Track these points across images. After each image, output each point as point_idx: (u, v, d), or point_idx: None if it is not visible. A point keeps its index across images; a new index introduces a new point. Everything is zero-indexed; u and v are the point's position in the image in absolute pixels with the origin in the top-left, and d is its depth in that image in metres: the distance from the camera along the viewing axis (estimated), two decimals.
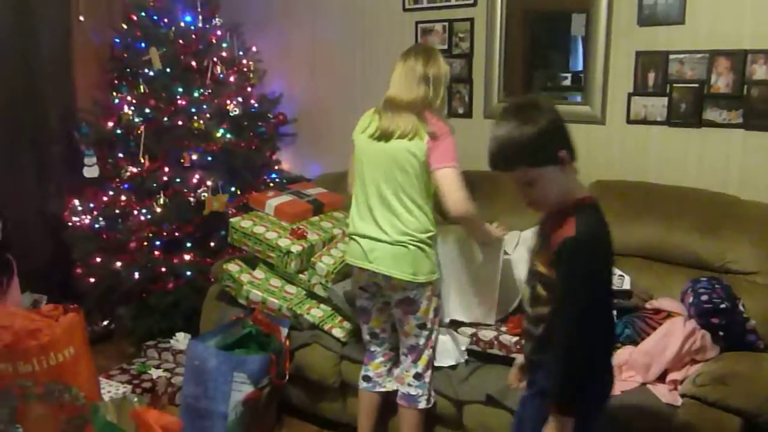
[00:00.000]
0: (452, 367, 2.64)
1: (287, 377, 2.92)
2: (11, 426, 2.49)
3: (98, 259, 3.62)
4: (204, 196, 3.56)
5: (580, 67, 3.25)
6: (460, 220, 2.49)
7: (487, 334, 2.60)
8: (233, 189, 3.79)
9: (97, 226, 3.65)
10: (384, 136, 2.44)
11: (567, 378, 1.65)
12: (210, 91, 3.74)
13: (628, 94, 3.08)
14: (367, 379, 2.72)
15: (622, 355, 2.44)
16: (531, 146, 1.61)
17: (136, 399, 2.26)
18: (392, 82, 2.50)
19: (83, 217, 3.69)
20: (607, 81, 3.12)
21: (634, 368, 2.41)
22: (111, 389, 3.05)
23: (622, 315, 2.57)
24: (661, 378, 2.38)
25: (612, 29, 3.07)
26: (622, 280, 2.60)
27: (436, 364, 2.64)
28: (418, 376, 2.60)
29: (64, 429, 2.52)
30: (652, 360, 2.37)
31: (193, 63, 3.75)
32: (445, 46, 3.54)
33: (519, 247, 2.89)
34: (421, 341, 2.58)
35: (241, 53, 4.01)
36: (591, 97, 3.16)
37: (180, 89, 3.65)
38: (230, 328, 3.00)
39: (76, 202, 3.74)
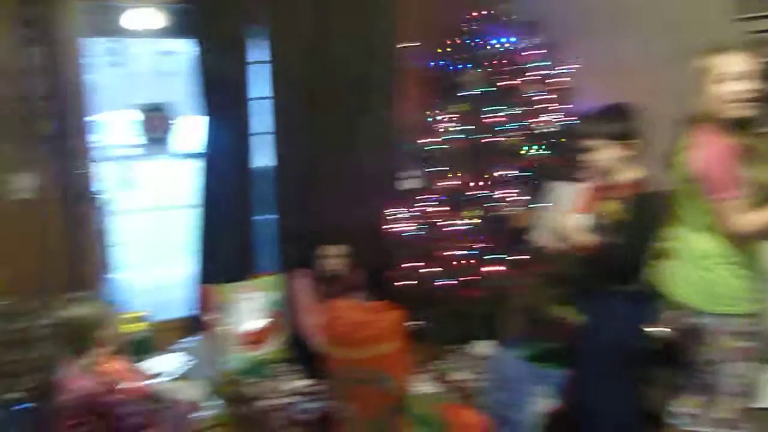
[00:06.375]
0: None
1: None
2: (342, 403, 2.86)
3: (412, 264, 3.94)
4: (515, 211, 3.70)
5: None
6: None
7: None
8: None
9: (413, 233, 3.99)
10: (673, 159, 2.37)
11: None
12: (524, 109, 3.86)
13: None
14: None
15: None
16: None
17: (447, 396, 2.44)
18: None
19: (401, 224, 4.06)
20: None
21: None
22: (418, 386, 3.30)
23: None
24: None
25: None
26: None
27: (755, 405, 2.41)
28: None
29: (383, 414, 2.81)
30: None
31: (509, 82, 3.91)
32: None
33: None
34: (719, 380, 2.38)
35: (555, 71, 4.07)
36: None
37: (495, 108, 3.84)
38: (535, 341, 3.07)
39: (396, 210, 4.12)
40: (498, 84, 3.94)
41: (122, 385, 2.45)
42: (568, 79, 4.11)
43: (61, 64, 3.48)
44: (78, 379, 2.53)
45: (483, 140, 3.83)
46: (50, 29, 3.43)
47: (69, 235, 3.60)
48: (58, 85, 3.49)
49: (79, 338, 2.61)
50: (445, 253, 3.80)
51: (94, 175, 3.66)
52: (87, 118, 3.62)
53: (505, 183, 3.79)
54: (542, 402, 2.85)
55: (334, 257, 3.67)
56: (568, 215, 2.69)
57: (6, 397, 2.65)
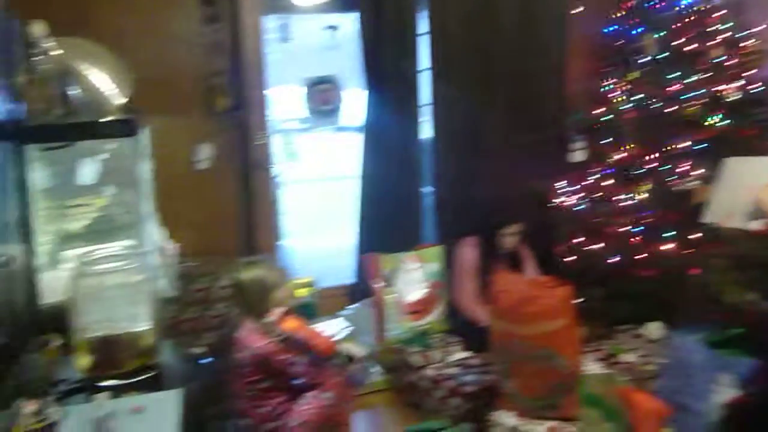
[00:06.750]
0: None
1: None
2: (506, 378, 2.81)
3: (578, 240, 3.79)
4: (692, 185, 3.44)
5: None
6: None
7: None
8: None
9: (579, 208, 3.83)
10: None
11: None
12: (706, 75, 3.56)
13: None
14: None
15: None
16: None
17: (623, 378, 2.33)
18: None
19: (567, 198, 3.91)
20: None
21: None
22: (588, 366, 3.17)
23: None
24: None
25: None
26: None
27: None
28: None
29: (549, 391, 2.73)
30: None
31: (690, 46, 3.62)
32: None
33: None
34: None
35: (743, 34, 3.71)
36: None
37: (674, 74, 3.57)
38: (717, 326, 2.86)
39: (562, 183, 3.97)
40: (678, 49, 3.65)
41: (311, 341, 2.55)
42: (759, 41, 3.74)
43: (240, 40, 3.66)
44: (255, 338, 2.66)
45: (659, 109, 3.58)
46: (231, 6, 3.60)
47: (244, 204, 3.80)
48: (237, 60, 3.67)
49: (256, 299, 2.75)
50: (615, 229, 3.61)
51: (268, 146, 3.83)
52: (262, 92, 3.79)
53: (682, 155, 3.53)
54: (724, 391, 2.65)
55: (511, 235, 3.62)
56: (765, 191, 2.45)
57: (190, 352, 2.84)
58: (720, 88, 3.53)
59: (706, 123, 3.51)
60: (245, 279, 2.78)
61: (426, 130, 4.09)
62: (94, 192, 2.47)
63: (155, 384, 1.89)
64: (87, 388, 1.87)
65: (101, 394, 1.55)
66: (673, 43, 3.65)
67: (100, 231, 2.45)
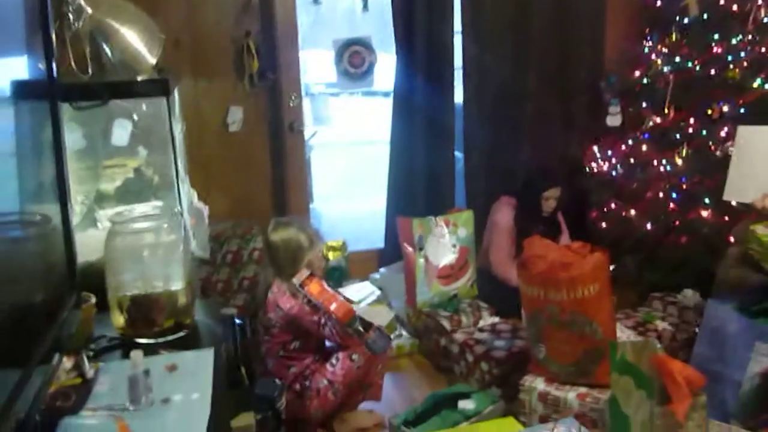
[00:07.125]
0: None
1: None
2: (536, 344, 2.80)
3: (612, 206, 3.73)
4: (732, 150, 3.35)
5: None
6: None
7: None
8: None
9: (614, 173, 3.76)
10: None
11: None
12: (751, 37, 3.44)
13: None
14: None
15: None
16: None
17: (659, 346, 2.29)
18: None
19: (602, 163, 3.84)
20: None
21: None
22: (621, 332, 3.14)
23: None
24: None
25: None
26: None
27: None
28: None
29: (580, 358, 2.72)
30: None
31: (734, 7, 3.50)
32: None
33: None
34: None
35: None
36: None
37: (716, 36, 3.46)
38: (755, 294, 2.79)
39: (596, 148, 3.90)
40: (720, 10, 3.53)
41: (329, 306, 2.56)
42: None
43: (272, 1, 3.62)
44: (286, 298, 2.68)
45: (700, 72, 3.47)
46: None
47: (276, 166, 3.81)
48: (269, 22, 3.64)
49: (288, 260, 2.76)
50: (652, 195, 3.55)
51: (299, 109, 3.82)
52: (293, 55, 3.76)
53: (721, 120, 3.43)
54: (761, 360, 2.60)
55: (548, 200, 3.58)
56: None
57: (222, 312, 2.87)
58: (764, 50, 3.42)
59: (748, 86, 3.40)
60: (277, 240, 2.79)
61: (458, 94, 4.03)
62: (127, 153, 2.48)
63: (189, 343, 1.91)
64: (122, 345, 1.89)
65: (136, 352, 1.56)
66: (715, 4, 3.53)
67: (133, 191, 2.47)
